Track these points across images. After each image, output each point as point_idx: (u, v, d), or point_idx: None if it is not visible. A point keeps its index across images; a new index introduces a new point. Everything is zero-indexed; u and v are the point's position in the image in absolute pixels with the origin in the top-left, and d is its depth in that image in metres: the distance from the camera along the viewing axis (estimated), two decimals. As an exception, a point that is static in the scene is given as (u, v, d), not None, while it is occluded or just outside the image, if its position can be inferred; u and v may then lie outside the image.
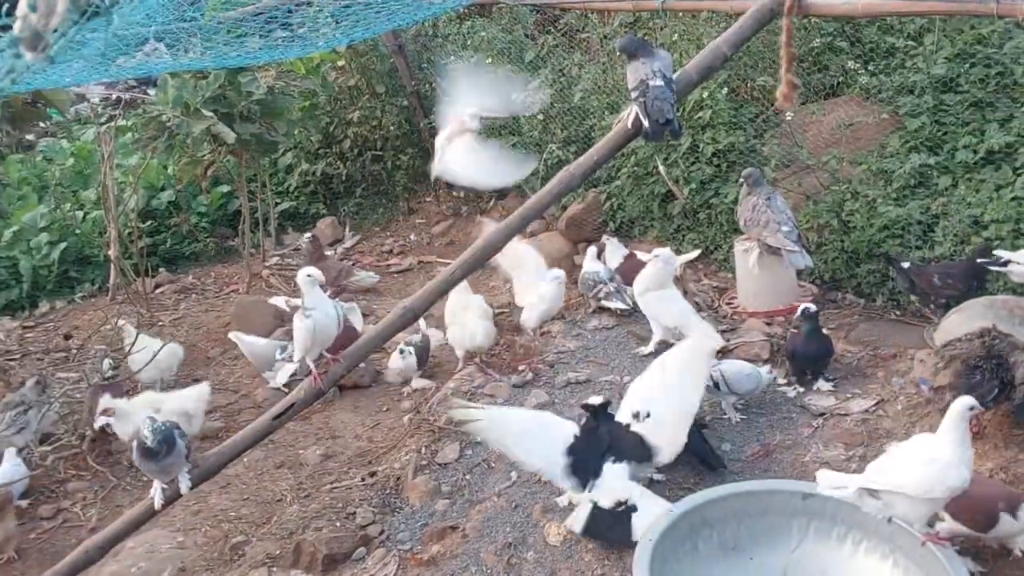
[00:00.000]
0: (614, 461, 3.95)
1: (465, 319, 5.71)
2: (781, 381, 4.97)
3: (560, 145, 7.66)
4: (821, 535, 3.80)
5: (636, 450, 3.97)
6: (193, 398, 5.51)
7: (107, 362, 6.02)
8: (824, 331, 4.98)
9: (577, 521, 3.96)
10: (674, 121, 3.74)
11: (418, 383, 5.83)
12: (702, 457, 4.32)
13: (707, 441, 4.42)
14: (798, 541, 3.83)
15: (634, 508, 3.83)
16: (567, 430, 4.03)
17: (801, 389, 4.86)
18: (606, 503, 3.88)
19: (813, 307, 4.90)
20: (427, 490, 4.61)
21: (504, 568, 4.02)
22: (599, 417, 4.06)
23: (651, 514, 3.78)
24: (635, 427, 4.04)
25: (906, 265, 5.20)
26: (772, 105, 6.57)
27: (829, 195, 5.99)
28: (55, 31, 1.88)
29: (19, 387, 6.51)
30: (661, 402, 4.09)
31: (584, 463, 3.94)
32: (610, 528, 3.87)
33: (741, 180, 5.69)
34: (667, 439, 3.99)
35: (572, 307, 6.64)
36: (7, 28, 1.96)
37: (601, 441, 4.00)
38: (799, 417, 4.65)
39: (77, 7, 1.82)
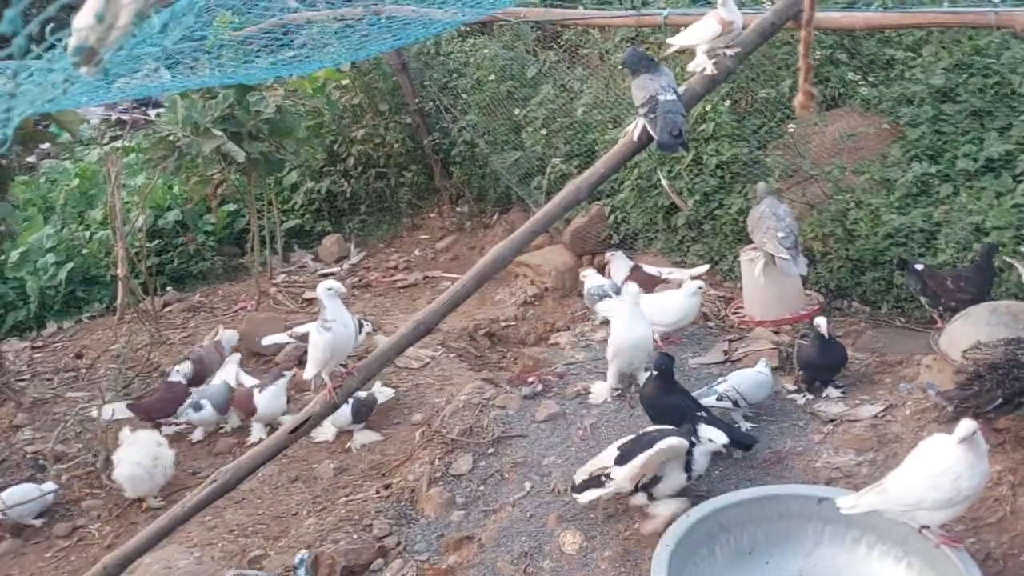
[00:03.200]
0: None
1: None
2: (790, 388, 5.02)
3: (563, 159, 7.74)
4: (836, 538, 3.86)
5: None
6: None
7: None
8: (836, 339, 5.01)
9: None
10: (683, 135, 3.81)
11: (361, 437, 5.60)
12: (736, 440, 4.38)
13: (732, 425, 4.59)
14: (813, 545, 3.89)
15: None
16: None
17: (811, 396, 4.91)
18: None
19: (823, 323, 4.86)
20: (442, 501, 4.65)
21: (521, 576, 4.07)
22: None
23: None
24: None
25: (919, 267, 5.25)
26: (775, 116, 6.67)
27: (833, 204, 6.06)
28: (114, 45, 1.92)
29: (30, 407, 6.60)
30: None
31: None
32: None
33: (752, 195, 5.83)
34: None
35: (578, 319, 6.71)
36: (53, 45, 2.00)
37: None
38: (809, 424, 4.70)
39: (139, 20, 1.87)
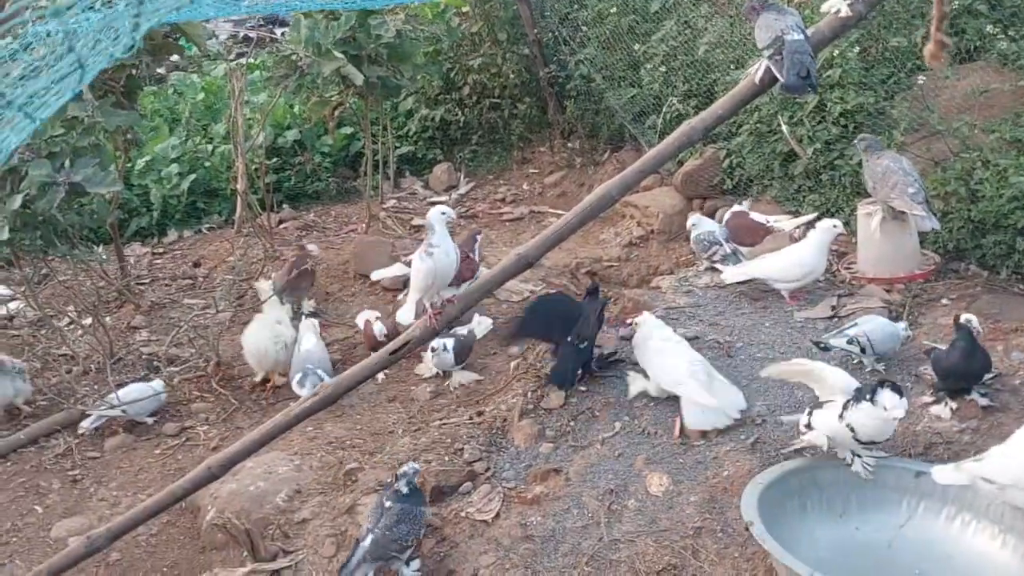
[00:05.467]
0: None
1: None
2: (927, 399, 4.46)
3: (681, 98, 7.58)
4: (930, 514, 3.79)
5: None
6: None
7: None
8: (982, 345, 4.44)
9: None
10: (812, 76, 3.68)
11: (460, 377, 5.58)
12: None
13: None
14: (907, 518, 3.82)
15: None
16: None
17: (955, 406, 4.36)
18: None
19: (974, 319, 4.37)
20: (532, 433, 4.72)
21: (605, 513, 4.11)
22: None
23: None
24: None
25: None
26: (905, 67, 6.38)
27: (958, 162, 5.79)
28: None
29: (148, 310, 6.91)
30: None
31: None
32: None
33: (857, 144, 5.58)
34: None
35: (683, 264, 6.64)
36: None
37: None
38: (914, 387, 4.57)
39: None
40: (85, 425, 5.58)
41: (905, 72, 6.39)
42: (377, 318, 6.00)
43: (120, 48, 2.48)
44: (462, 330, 5.64)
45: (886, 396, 3.73)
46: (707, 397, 4.42)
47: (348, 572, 3.96)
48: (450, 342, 5.45)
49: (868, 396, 3.76)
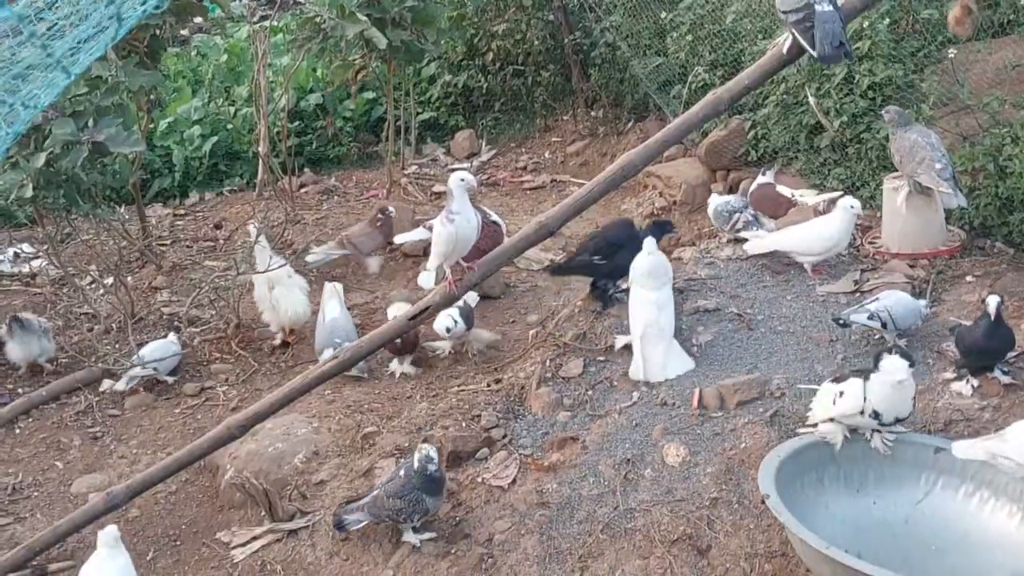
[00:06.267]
0: None
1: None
2: (948, 376, 4.42)
3: (707, 68, 7.49)
4: (948, 490, 3.77)
5: None
6: None
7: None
8: (1007, 323, 4.34)
9: None
10: (846, 44, 3.62)
11: (478, 340, 5.58)
12: None
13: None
14: (924, 493, 3.79)
15: None
16: None
17: (976, 383, 4.32)
18: None
19: (997, 298, 4.24)
20: (550, 401, 4.72)
21: (621, 482, 4.12)
22: None
23: None
24: None
25: None
26: (936, 39, 6.27)
27: (987, 138, 5.70)
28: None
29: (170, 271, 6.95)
30: None
31: None
32: None
33: (884, 116, 5.49)
34: None
35: (704, 236, 6.59)
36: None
37: None
38: (935, 363, 4.53)
39: None
40: (120, 387, 5.62)
41: (935, 45, 6.28)
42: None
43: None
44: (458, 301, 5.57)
45: (890, 361, 3.72)
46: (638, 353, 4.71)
47: (346, 510, 4.10)
48: (455, 311, 5.36)
49: (873, 366, 3.77)
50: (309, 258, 6.66)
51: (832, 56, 3.59)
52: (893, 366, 3.70)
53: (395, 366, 5.47)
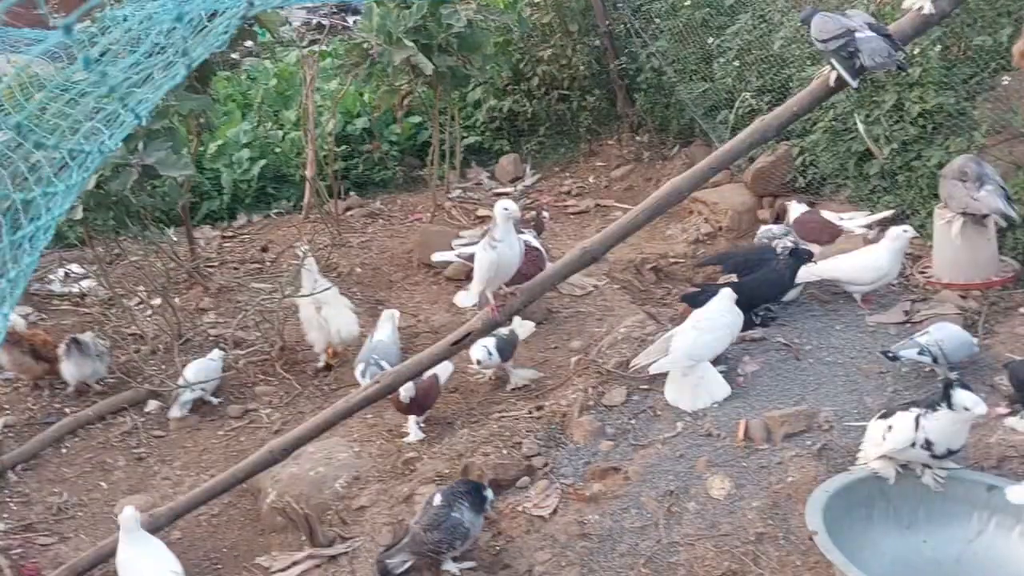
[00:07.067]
0: None
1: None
2: (1002, 411, 4.31)
3: (754, 94, 7.43)
4: (1002, 530, 3.67)
5: None
6: None
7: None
8: None
9: None
10: (894, 54, 3.60)
11: (521, 375, 5.49)
12: None
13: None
14: (977, 532, 3.70)
15: None
16: None
17: None
18: None
19: None
20: (592, 430, 4.67)
21: (664, 515, 4.06)
22: None
23: None
24: None
25: None
26: (988, 66, 6.17)
27: (1043, 166, 5.60)
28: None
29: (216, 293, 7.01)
30: None
31: None
32: None
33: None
34: None
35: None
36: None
37: None
38: (988, 397, 4.40)
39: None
40: (175, 413, 5.65)
41: (989, 72, 6.18)
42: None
43: (223, 33, 2.49)
44: (503, 330, 5.39)
45: (963, 396, 3.63)
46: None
47: (388, 554, 4.02)
48: (491, 342, 5.23)
49: (943, 402, 3.64)
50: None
51: (883, 63, 3.56)
52: (970, 400, 3.61)
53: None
